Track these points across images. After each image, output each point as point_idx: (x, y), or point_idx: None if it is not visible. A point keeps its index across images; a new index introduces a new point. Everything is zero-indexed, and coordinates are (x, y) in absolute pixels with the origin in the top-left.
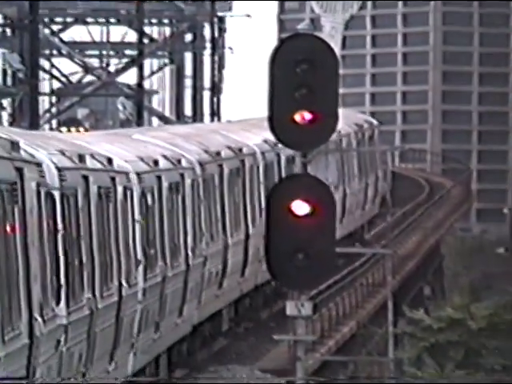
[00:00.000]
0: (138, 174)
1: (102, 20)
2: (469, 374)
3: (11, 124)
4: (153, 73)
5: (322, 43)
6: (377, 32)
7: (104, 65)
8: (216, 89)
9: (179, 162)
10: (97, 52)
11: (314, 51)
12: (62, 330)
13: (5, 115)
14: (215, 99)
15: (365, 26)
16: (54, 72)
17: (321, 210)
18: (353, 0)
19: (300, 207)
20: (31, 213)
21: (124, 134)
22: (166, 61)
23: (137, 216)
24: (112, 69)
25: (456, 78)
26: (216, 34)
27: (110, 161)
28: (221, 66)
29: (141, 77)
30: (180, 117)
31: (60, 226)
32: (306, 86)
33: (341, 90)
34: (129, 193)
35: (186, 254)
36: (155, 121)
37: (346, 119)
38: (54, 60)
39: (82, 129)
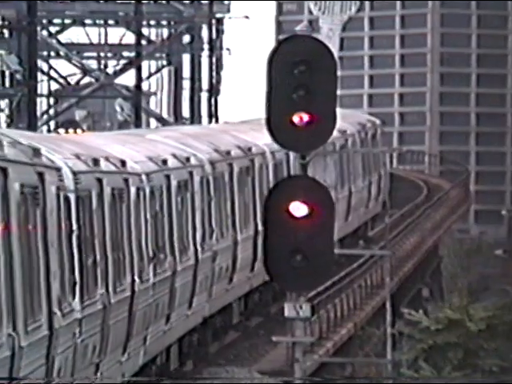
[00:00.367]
0: (147, 175)
1: (99, 22)
2: (466, 376)
3: (9, 125)
4: (151, 74)
5: (319, 45)
6: (375, 34)
7: (102, 66)
8: (214, 90)
9: (188, 160)
10: (95, 54)
11: (312, 53)
12: (77, 324)
13: (3, 116)
14: (213, 101)
15: (363, 27)
16: (52, 73)
17: (319, 211)
18: (351, 0)
19: (298, 209)
20: (51, 215)
21: (138, 133)
22: (164, 62)
23: (147, 215)
24: (110, 70)
25: (454, 79)
26: (214, 36)
27: (123, 163)
28: (219, 68)
29: (139, 78)
30: (178, 118)
31: (75, 226)
32: (303, 87)
33: (339, 92)
34: (141, 193)
35: (196, 249)
36: (153, 122)
37: (350, 119)
38: (52, 62)
39: (79, 130)
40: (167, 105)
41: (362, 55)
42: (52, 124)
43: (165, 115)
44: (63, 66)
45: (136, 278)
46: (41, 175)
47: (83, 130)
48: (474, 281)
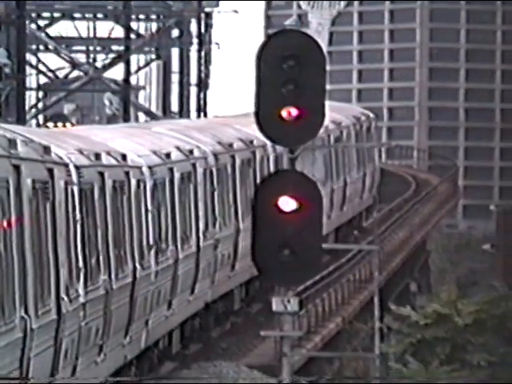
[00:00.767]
0: (150, 168)
1: (89, 15)
2: (454, 370)
3: None
4: (139, 68)
5: (308, 39)
6: (364, 28)
7: (91, 60)
8: (203, 84)
9: (191, 152)
10: (84, 47)
11: (301, 47)
12: (81, 308)
13: None
14: (202, 95)
15: (352, 22)
16: (41, 67)
17: (308, 206)
18: None
19: (287, 203)
20: (60, 207)
21: (144, 126)
22: (153, 56)
23: (149, 206)
24: (99, 64)
25: (443, 74)
26: (203, 30)
27: (124, 157)
28: (207, 62)
29: (127, 72)
30: (166, 112)
31: (78, 216)
32: (292, 81)
33: (327, 86)
34: (142, 185)
35: (198, 238)
36: (142, 116)
37: (345, 112)
38: (41, 55)
39: (68, 124)
40: (156, 99)
41: (351, 50)
42: (41, 118)
43: (154, 109)
44: (52, 60)
45: (137, 265)
46: (50, 171)
47: (72, 124)
48: (463, 276)
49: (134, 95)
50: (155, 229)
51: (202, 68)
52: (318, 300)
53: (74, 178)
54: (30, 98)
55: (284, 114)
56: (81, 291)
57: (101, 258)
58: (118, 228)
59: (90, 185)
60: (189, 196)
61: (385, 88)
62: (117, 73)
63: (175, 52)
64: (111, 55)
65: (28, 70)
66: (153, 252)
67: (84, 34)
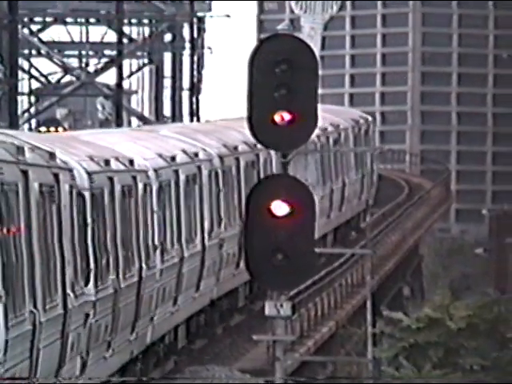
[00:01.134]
0: (156, 170)
1: (81, 20)
2: (446, 374)
3: None
4: (132, 73)
5: (301, 44)
6: (356, 33)
7: (83, 65)
8: (195, 89)
9: (197, 155)
10: (76, 52)
11: (294, 52)
12: (91, 306)
13: None
14: (194, 99)
15: (344, 26)
16: (33, 72)
17: (300, 210)
18: (332, 0)
19: (279, 207)
20: (65, 209)
21: (151, 129)
22: (146, 61)
23: (155, 207)
24: (91, 69)
25: (435, 78)
26: (195, 34)
27: (131, 162)
28: (200, 66)
29: (120, 77)
30: (159, 117)
31: (89, 219)
32: (285, 86)
33: (320, 91)
34: (148, 188)
35: (203, 237)
36: (134, 121)
37: (344, 115)
38: (33, 60)
39: (60, 129)
40: (148, 103)
41: (344, 54)
42: (33, 122)
43: (146, 114)
44: (44, 65)
45: (143, 265)
46: (56, 176)
47: (64, 129)
48: (455, 280)
49: (127, 100)
50: (161, 229)
51: (195, 72)
52: (310, 304)
53: (86, 183)
54: (23, 102)
55: (277, 118)
56: (91, 290)
57: (110, 258)
58: (126, 230)
59: (100, 189)
60: (194, 197)
61: (377, 92)
62: (109, 77)
63: (168, 56)
64: (104, 60)
65: (20, 74)
66: (158, 251)
67: (76, 39)
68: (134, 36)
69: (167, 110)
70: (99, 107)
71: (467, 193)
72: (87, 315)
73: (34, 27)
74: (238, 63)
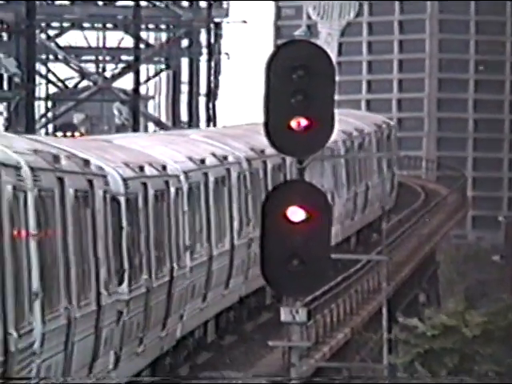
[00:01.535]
0: (186, 173)
1: (98, 25)
2: (462, 381)
3: (7, 129)
4: (149, 78)
5: (318, 49)
6: (373, 39)
7: (100, 70)
8: (212, 94)
9: (226, 158)
10: (93, 57)
11: (311, 58)
12: (124, 304)
13: (1, 120)
14: (211, 105)
15: (361, 32)
16: (51, 77)
17: (316, 216)
18: (350, 5)
19: (295, 213)
20: (99, 213)
21: (182, 134)
22: (163, 66)
23: (185, 209)
24: (108, 74)
25: (452, 85)
26: (212, 40)
27: (164, 167)
28: (217, 72)
29: (137, 82)
30: (176, 122)
31: (124, 223)
32: (302, 92)
33: (337, 97)
34: (180, 192)
35: (232, 237)
36: (151, 126)
37: (367, 120)
38: (51, 65)
39: (77, 133)
40: (165, 109)
41: (361, 60)
42: (50, 127)
43: (163, 119)
44: (61, 70)
45: (175, 265)
46: (90, 182)
47: (81, 134)
48: (471, 287)
49: (144, 105)
50: (191, 230)
51: (212, 78)
52: (326, 310)
53: (121, 189)
54: (40, 107)
55: (293, 124)
56: (125, 290)
57: (143, 259)
58: (158, 232)
59: (134, 194)
60: (224, 198)
61: (394, 98)
62: (126, 83)
63: (185, 62)
64: (121, 65)
65: (37, 79)
66: (188, 251)
67: (93, 44)
68: (151, 41)
69: (184, 116)
70: (116, 112)
71: (483, 199)
72: (121, 313)
73: (52, 32)
74: (254, 69)
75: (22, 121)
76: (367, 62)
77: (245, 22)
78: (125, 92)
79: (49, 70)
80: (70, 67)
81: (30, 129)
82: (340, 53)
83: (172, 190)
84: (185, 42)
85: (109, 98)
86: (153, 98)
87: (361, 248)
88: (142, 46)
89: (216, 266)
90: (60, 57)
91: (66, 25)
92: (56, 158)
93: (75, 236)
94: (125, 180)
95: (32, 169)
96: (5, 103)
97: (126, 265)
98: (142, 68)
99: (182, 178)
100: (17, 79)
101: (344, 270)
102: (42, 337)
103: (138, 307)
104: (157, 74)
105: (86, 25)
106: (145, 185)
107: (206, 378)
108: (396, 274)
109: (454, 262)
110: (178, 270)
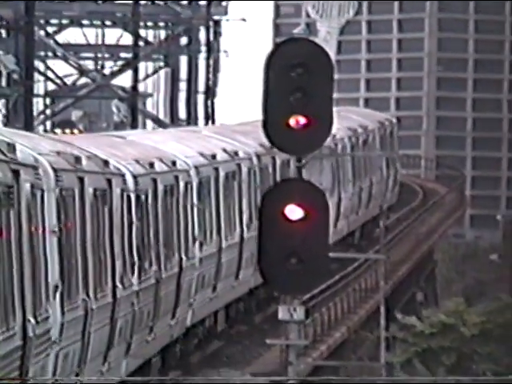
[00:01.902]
0: (196, 167)
1: (97, 22)
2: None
3: (5, 125)
4: (147, 76)
5: (317, 48)
6: (372, 37)
7: (99, 67)
8: (210, 92)
9: (236, 154)
10: (92, 54)
11: (309, 56)
12: (135, 295)
13: None
14: (209, 103)
15: (360, 31)
16: (49, 74)
17: (314, 214)
18: (349, 4)
19: (293, 212)
20: (116, 210)
21: (194, 130)
22: (161, 64)
23: (195, 202)
24: (107, 71)
25: (450, 84)
26: (211, 38)
27: (174, 163)
28: (216, 70)
29: (135, 80)
30: (174, 120)
31: (134, 217)
32: (300, 90)
33: (335, 95)
34: (189, 186)
35: (242, 229)
36: (149, 124)
37: (371, 117)
38: (49, 62)
39: (75, 130)
40: (164, 106)
41: (359, 59)
42: (48, 124)
43: (161, 116)
44: (60, 67)
45: (183, 256)
46: (109, 181)
47: (80, 131)
48: (469, 286)
49: (142, 102)
50: (200, 223)
51: (210, 76)
52: (324, 309)
53: (131, 185)
54: (38, 104)
55: (292, 122)
56: (135, 281)
57: (152, 252)
58: (168, 225)
59: (144, 190)
60: (234, 192)
61: (392, 97)
62: (125, 80)
63: (184, 60)
64: (119, 62)
65: (36, 76)
66: (197, 243)
67: (92, 41)
68: (150, 39)
69: (182, 113)
70: (114, 110)
71: (482, 198)
72: (132, 303)
73: (50, 29)
74: (253, 67)
75: (21, 117)
76: (366, 60)
77: (244, 19)
78: (123, 89)
79: (47, 67)
80: (69, 64)
81: (28, 126)
82: (339, 51)
83: (181, 184)
84: (184, 40)
85: (107, 96)
86: (151, 95)
87: (364, 242)
88: (140, 43)
89: (225, 258)
90: (59, 54)
91: (64, 22)
92: (77, 159)
93: (93, 232)
94: (135, 177)
95: (55, 170)
96: (3, 100)
97: (135, 257)
98: (141, 65)
99: (193, 172)
100: (15, 76)
101: (342, 268)
102: (61, 326)
103: (148, 297)
104: (155, 71)
105: (84, 22)
106: (154, 180)
107: (203, 379)
108: (394, 273)
109: (452, 260)
110: (186, 262)
